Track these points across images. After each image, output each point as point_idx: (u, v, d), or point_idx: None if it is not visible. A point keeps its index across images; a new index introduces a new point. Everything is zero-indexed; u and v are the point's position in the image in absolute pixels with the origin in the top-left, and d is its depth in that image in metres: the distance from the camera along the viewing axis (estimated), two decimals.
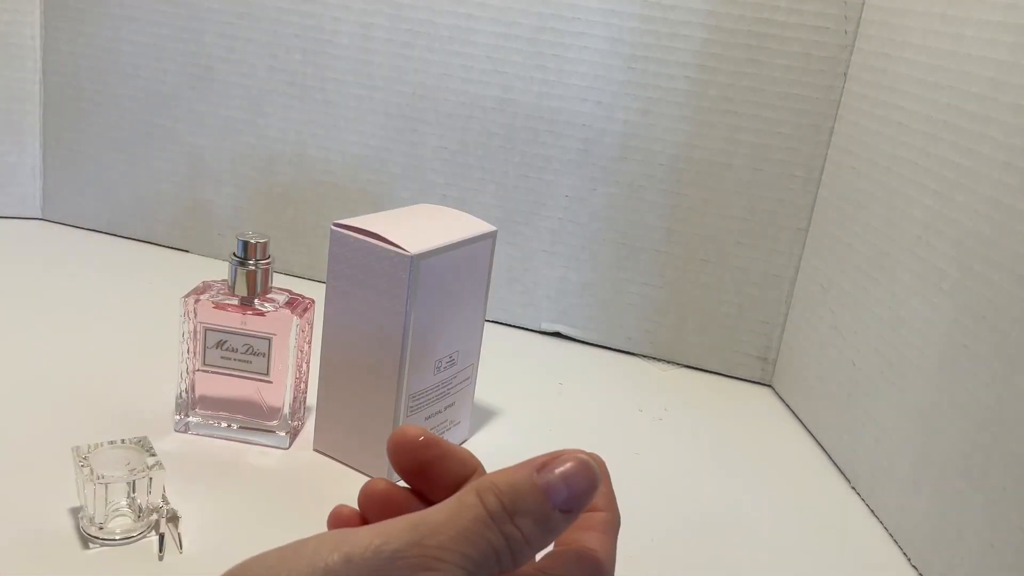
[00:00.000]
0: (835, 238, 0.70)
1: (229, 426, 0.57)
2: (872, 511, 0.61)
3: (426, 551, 0.24)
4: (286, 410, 0.57)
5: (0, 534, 0.45)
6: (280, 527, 0.50)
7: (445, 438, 0.55)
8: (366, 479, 0.55)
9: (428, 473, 0.30)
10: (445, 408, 0.58)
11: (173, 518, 0.47)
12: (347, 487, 0.55)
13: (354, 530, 0.25)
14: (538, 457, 0.26)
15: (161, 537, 0.46)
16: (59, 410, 0.58)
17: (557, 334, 0.84)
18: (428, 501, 0.30)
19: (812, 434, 0.71)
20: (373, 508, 0.30)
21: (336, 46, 0.81)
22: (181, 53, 0.85)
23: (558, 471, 0.26)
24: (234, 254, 0.55)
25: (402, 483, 0.31)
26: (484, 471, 0.31)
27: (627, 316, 0.81)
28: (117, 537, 0.46)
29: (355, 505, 0.30)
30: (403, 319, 0.52)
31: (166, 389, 0.62)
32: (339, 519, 0.30)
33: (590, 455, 0.27)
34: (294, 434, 0.58)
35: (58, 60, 0.88)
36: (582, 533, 0.29)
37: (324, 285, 0.55)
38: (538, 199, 0.81)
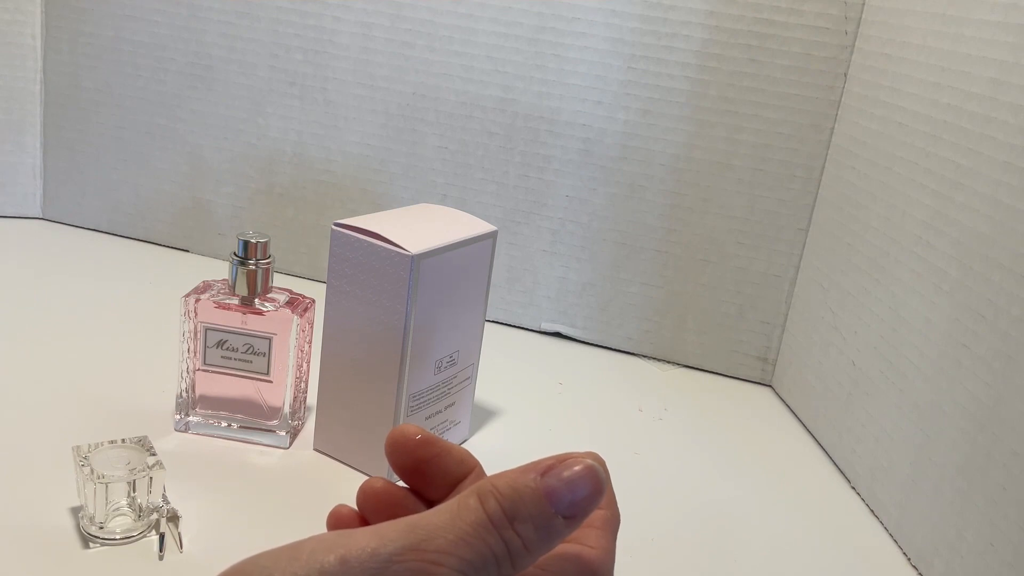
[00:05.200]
0: (835, 238, 0.70)
1: (229, 426, 0.57)
2: (872, 511, 0.61)
3: (423, 555, 0.23)
4: (286, 410, 0.57)
5: (0, 534, 0.45)
6: (280, 527, 0.50)
7: (445, 438, 0.55)
8: (366, 479, 0.55)
9: (426, 472, 0.30)
10: (445, 408, 0.58)
11: (173, 518, 0.47)
12: (347, 487, 0.55)
13: (351, 532, 0.24)
14: (543, 460, 0.26)
15: (161, 537, 0.46)
16: (59, 410, 0.58)
17: (557, 334, 0.84)
18: (426, 500, 0.30)
19: (812, 434, 0.71)
20: (371, 507, 0.30)
21: (336, 46, 0.81)
22: (181, 53, 0.85)
23: (563, 475, 0.25)
24: (234, 254, 0.55)
25: (400, 482, 0.31)
26: (482, 470, 0.31)
27: (627, 316, 0.81)
28: (117, 537, 0.46)
29: (355, 505, 0.30)
30: (403, 319, 0.52)
31: (166, 389, 0.62)
32: (338, 519, 0.30)
33: (595, 459, 0.26)
34: (294, 434, 0.58)
35: (59, 60, 0.88)
36: (581, 531, 0.28)
37: (324, 285, 0.55)
38: (538, 199, 0.81)
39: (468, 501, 0.25)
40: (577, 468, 0.25)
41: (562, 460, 0.25)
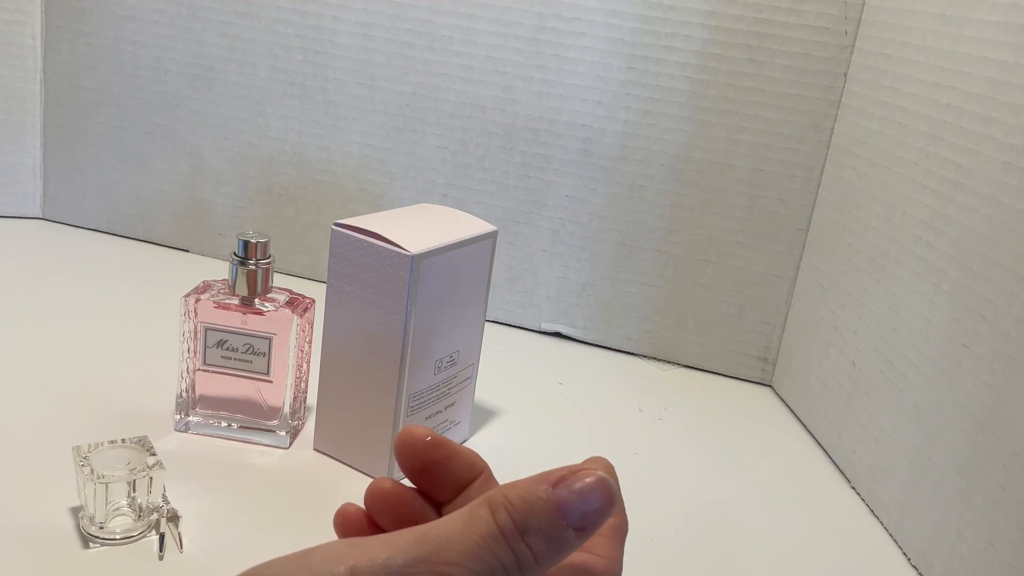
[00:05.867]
0: (835, 238, 0.70)
1: (229, 426, 0.57)
2: (872, 511, 0.61)
3: (434, 567, 0.23)
4: (286, 410, 0.57)
5: (0, 534, 0.45)
6: (280, 527, 0.50)
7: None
8: (366, 479, 0.55)
9: (434, 474, 0.30)
10: (445, 408, 0.58)
11: (173, 518, 0.47)
12: (347, 487, 0.55)
13: (361, 541, 0.24)
14: (554, 471, 0.26)
15: (161, 537, 0.46)
16: (59, 410, 0.58)
17: (557, 334, 0.84)
18: (434, 501, 0.30)
19: (812, 434, 0.71)
20: (379, 508, 0.29)
21: (336, 46, 0.81)
22: (181, 53, 0.85)
23: (575, 487, 0.25)
24: (235, 254, 0.55)
25: (408, 482, 0.31)
26: (491, 473, 0.31)
27: (627, 316, 0.81)
28: (117, 537, 0.46)
29: (362, 504, 0.30)
30: (403, 319, 0.52)
31: (166, 389, 0.62)
32: (345, 518, 0.30)
33: (607, 470, 0.26)
34: (294, 434, 0.58)
35: (58, 60, 0.88)
36: (590, 539, 0.28)
37: (324, 285, 0.55)
38: (538, 199, 0.81)
39: (479, 512, 0.25)
40: (589, 480, 0.25)
41: (574, 472, 0.25)
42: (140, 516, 0.47)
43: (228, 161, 0.87)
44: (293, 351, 0.56)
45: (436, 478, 0.30)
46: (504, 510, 0.24)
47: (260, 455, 0.56)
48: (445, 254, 0.53)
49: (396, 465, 0.49)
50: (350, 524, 0.30)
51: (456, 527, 0.24)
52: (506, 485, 0.26)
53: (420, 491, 0.30)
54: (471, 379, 0.61)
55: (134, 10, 0.85)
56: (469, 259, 0.56)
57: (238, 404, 0.57)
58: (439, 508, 0.30)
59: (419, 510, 0.29)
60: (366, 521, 0.30)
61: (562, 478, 0.25)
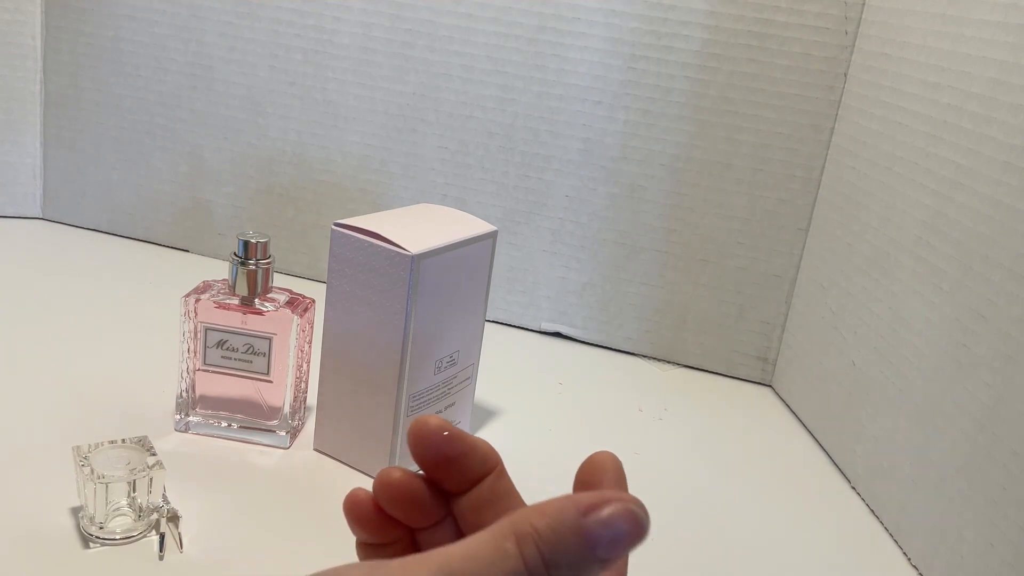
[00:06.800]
0: (835, 238, 0.70)
1: (229, 426, 0.57)
2: (872, 511, 0.61)
3: None
4: (286, 410, 0.57)
5: (0, 534, 0.45)
6: (280, 527, 0.50)
7: None
8: (366, 479, 0.55)
9: (447, 468, 0.30)
10: (445, 408, 0.58)
11: (173, 518, 0.47)
12: (347, 487, 0.54)
13: (381, 566, 0.24)
14: (584, 496, 0.25)
15: (161, 537, 0.46)
16: (59, 410, 0.58)
17: (557, 334, 0.84)
18: (444, 492, 0.30)
19: (812, 434, 0.71)
20: (387, 497, 0.30)
21: (336, 46, 0.81)
22: (181, 53, 0.85)
23: (604, 516, 0.25)
24: (235, 254, 0.55)
25: (417, 468, 0.31)
26: (503, 467, 0.31)
27: (627, 316, 0.81)
28: (117, 537, 0.46)
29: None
30: (403, 319, 0.52)
31: (166, 389, 0.62)
32: (355, 503, 0.30)
33: (614, 467, 0.26)
34: (294, 434, 0.58)
35: (58, 60, 0.88)
36: None
37: (324, 285, 0.55)
38: (538, 199, 0.81)
39: (505, 546, 0.24)
40: (618, 510, 0.25)
41: (605, 500, 0.25)
42: (140, 516, 0.47)
43: (228, 161, 0.87)
44: (293, 351, 0.56)
45: (449, 472, 0.30)
46: (532, 543, 0.24)
47: (260, 455, 0.56)
48: (445, 254, 0.53)
49: (395, 465, 0.49)
50: (359, 508, 0.30)
51: (480, 564, 0.24)
52: (532, 509, 0.25)
53: (430, 478, 0.30)
54: (471, 379, 0.61)
55: (134, 10, 0.85)
56: (469, 259, 0.56)
57: (238, 404, 0.57)
58: (449, 500, 0.30)
59: (428, 502, 0.30)
60: (374, 509, 0.30)
61: (592, 506, 0.25)
